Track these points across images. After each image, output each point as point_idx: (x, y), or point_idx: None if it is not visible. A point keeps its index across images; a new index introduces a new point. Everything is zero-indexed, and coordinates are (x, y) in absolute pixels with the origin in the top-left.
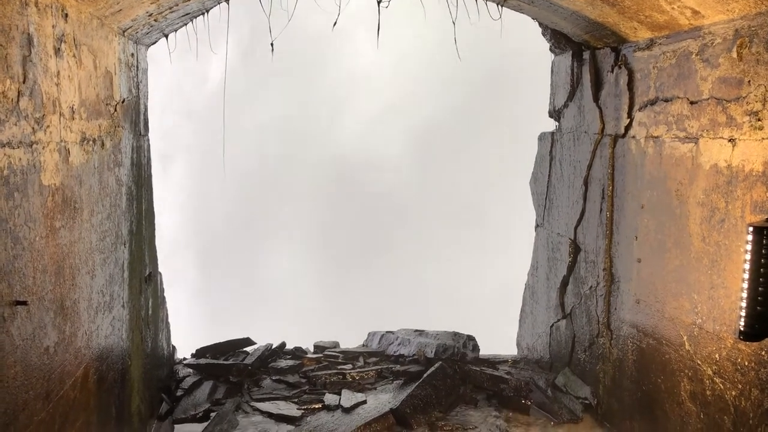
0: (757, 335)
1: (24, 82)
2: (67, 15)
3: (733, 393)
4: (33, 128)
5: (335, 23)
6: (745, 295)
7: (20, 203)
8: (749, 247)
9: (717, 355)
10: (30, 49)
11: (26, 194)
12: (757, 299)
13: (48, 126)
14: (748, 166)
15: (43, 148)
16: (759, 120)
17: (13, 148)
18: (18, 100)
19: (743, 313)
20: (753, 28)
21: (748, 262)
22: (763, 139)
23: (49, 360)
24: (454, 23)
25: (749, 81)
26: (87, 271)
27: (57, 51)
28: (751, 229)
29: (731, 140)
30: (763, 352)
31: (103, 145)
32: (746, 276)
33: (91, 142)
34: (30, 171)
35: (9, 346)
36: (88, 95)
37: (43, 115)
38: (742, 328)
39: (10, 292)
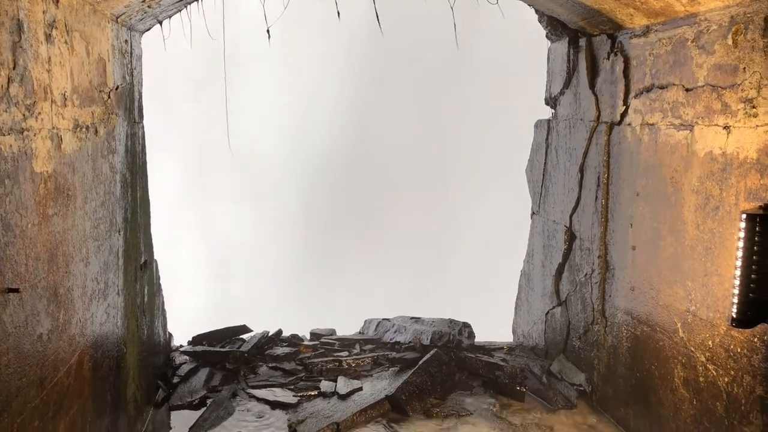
0: (749, 322)
1: (14, 68)
2: (58, 1)
3: (726, 379)
4: (24, 115)
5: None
6: (737, 282)
7: (11, 190)
8: (742, 234)
9: (710, 342)
10: (20, 35)
11: (17, 181)
12: (749, 286)
13: (39, 113)
14: (742, 153)
15: (35, 134)
16: (753, 107)
17: (4, 135)
18: (8, 87)
19: (736, 300)
20: (748, 15)
21: (741, 250)
22: (757, 126)
23: (43, 347)
24: (452, 8)
25: (744, 68)
26: (81, 259)
27: (48, 37)
28: (744, 216)
29: (726, 127)
30: (756, 339)
31: (96, 132)
32: (739, 263)
33: (84, 129)
34: (21, 158)
35: (1, 333)
36: (80, 82)
37: (34, 101)
38: (734, 315)
39: (2, 280)
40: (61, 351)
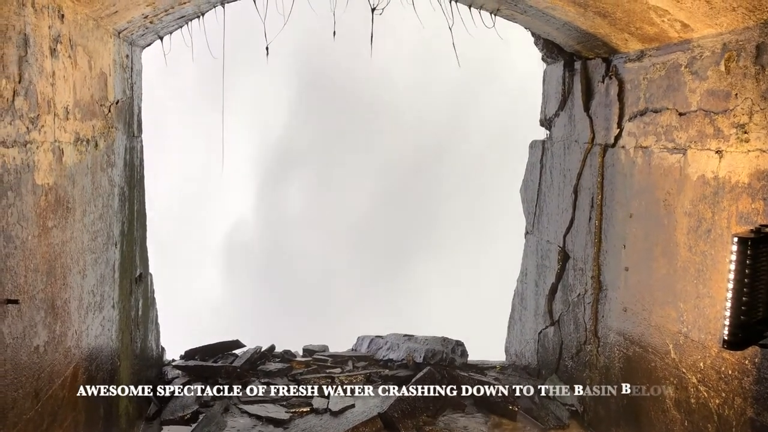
0: (740, 344)
1: (19, 82)
2: (63, 16)
3: (717, 401)
4: (27, 128)
5: (334, 33)
6: (729, 304)
7: (13, 202)
8: (734, 257)
9: (702, 364)
10: (26, 50)
11: (19, 193)
12: (740, 308)
13: (42, 126)
14: (734, 177)
15: (37, 147)
16: (745, 132)
17: (8, 147)
18: (13, 100)
19: (727, 322)
20: (740, 42)
21: (732, 272)
22: (749, 151)
23: (39, 359)
24: (450, 29)
25: (736, 94)
26: (78, 271)
27: (53, 51)
28: (735, 239)
29: (718, 152)
30: (747, 361)
31: (96, 145)
32: (731, 286)
33: (84, 143)
34: (24, 170)
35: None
36: (82, 96)
37: (38, 114)
38: (726, 337)
39: (2, 291)
40: (56, 363)
